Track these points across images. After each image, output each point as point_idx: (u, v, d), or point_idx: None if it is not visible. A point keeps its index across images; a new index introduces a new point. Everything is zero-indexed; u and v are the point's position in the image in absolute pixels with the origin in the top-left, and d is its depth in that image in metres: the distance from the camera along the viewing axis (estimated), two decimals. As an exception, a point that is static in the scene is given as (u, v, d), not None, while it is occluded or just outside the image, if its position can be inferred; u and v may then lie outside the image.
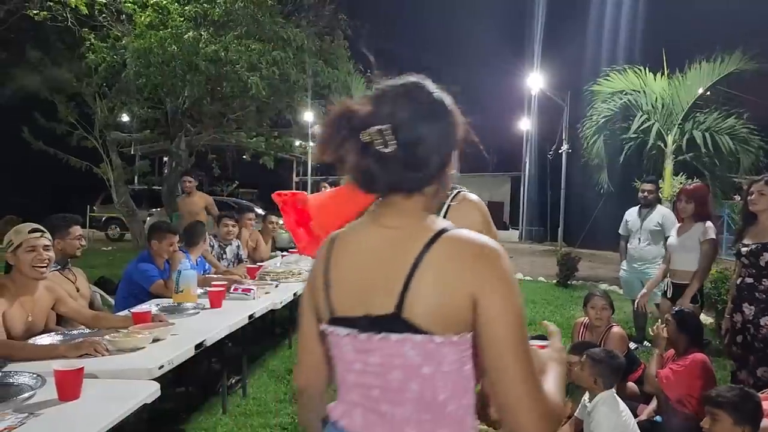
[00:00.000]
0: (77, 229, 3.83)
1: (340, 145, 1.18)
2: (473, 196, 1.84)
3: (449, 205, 1.80)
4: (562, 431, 3.48)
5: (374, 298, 1.16)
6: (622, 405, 3.27)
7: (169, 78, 11.25)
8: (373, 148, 1.14)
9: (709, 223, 4.73)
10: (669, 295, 4.89)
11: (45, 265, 3.04)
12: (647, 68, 10.68)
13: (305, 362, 1.36)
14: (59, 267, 3.66)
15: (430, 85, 1.24)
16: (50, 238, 3.15)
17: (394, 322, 1.13)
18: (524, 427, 1.09)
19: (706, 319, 7.01)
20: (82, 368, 2.25)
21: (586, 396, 3.41)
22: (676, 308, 4.02)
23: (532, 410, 1.09)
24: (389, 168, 1.16)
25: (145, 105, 14.06)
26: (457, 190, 1.84)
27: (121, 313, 3.66)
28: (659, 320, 4.14)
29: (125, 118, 16.11)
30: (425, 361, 1.13)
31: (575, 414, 3.49)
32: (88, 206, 18.73)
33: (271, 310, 4.96)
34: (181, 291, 4.05)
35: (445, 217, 1.70)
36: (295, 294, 5.12)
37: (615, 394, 3.30)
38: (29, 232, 3.03)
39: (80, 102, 14.18)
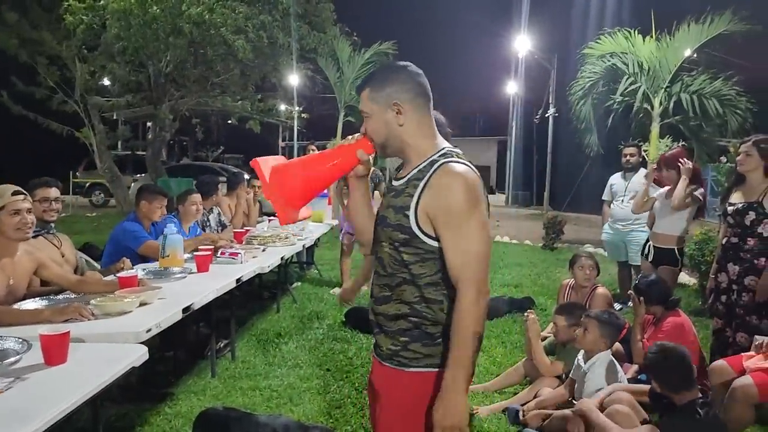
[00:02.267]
0: (44, 191, 3.61)
1: None
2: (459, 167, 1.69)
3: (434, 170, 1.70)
4: (556, 392, 3.52)
5: None
6: (618, 367, 3.32)
7: (151, 41, 11.00)
8: None
9: (700, 190, 4.77)
10: (650, 258, 4.94)
11: (29, 227, 3.00)
12: (636, 31, 10.60)
13: None
14: (41, 231, 3.59)
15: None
16: (31, 200, 3.10)
17: None
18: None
19: (689, 280, 7.11)
20: (68, 332, 2.23)
21: (581, 356, 3.45)
22: (637, 281, 4.05)
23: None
24: None
25: (127, 68, 13.78)
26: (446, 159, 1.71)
27: (107, 278, 3.63)
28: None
29: (107, 82, 15.81)
30: None
31: (570, 375, 3.53)
32: (71, 172, 18.50)
33: (259, 274, 4.97)
34: (168, 255, 4.01)
35: (424, 188, 1.68)
36: (282, 258, 5.11)
37: (612, 356, 3.35)
38: (12, 195, 2.97)
39: (60, 66, 13.87)
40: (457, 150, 1.78)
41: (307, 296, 6.57)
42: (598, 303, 4.25)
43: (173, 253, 4.02)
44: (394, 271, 1.75)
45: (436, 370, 1.71)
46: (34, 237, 3.50)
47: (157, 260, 4.09)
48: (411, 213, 1.68)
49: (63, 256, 3.68)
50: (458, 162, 1.70)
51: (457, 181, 1.65)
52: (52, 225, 3.74)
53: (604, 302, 4.27)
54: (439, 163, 1.70)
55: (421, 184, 1.69)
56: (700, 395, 2.63)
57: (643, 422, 2.81)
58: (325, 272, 7.85)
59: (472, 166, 1.72)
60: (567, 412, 3.16)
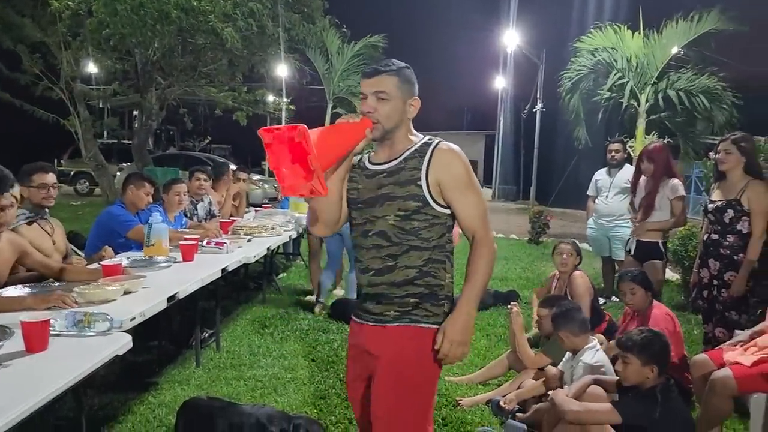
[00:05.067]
0: (42, 177, 3.56)
1: None
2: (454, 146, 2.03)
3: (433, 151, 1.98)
4: (536, 383, 3.54)
5: None
6: (605, 358, 3.34)
7: (138, 28, 10.86)
8: None
9: (675, 180, 4.79)
10: (632, 252, 4.97)
11: (11, 219, 2.98)
12: (626, 27, 10.64)
13: None
14: (34, 217, 3.55)
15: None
16: (13, 194, 3.04)
17: None
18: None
19: (672, 275, 7.18)
20: (49, 320, 2.22)
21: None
22: (629, 273, 3.90)
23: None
24: None
25: (113, 56, 13.63)
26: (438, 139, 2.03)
27: (91, 266, 3.60)
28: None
29: (93, 70, 15.64)
30: None
31: (559, 366, 3.52)
32: (56, 160, 18.31)
33: (245, 265, 4.95)
34: (153, 244, 3.98)
35: (429, 163, 1.96)
36: (268, 248, 5.10)
37: (599, 345, 3.36)
38: None
39: (45, 52, 13.69)
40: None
41: (293, 287, 6.56)
42: (576, 287, 4.28)
43: (158, 242, 3.99)
44: (401, 240, 1.97)
45: (424, 325, 1.99)
46: (28, 223, 3.47)
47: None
48: (423, 183, 1.95)
49: (54, 244, 3.64)
50: (446, 142, 2.03)
51: (456, 156, 1.98)
52: (47, 210, 3.70)
53: (583, 285, 4.30)
54: (434, 143, 2.00)
55: (426, 160, 1.96)
56: (664, 380, 2.66)
57: None
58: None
59: None
60: (544, 404, 3.19)
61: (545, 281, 4.58)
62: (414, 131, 2.06)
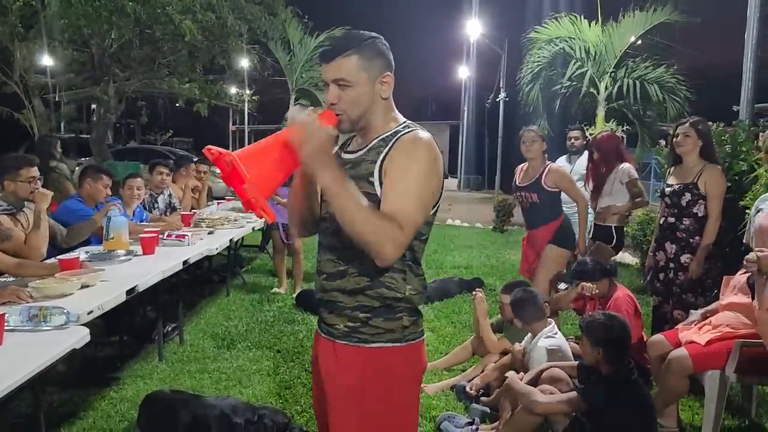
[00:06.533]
0: (29, 171, 3.51)
1: None
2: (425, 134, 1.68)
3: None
4: (499, 363, 3.59)
5: None
6: (560, 336, 3.40)
7: (93, 20, 10.58)
8: None
9: (625, 164, 4.89)
10: (590, 235, 5.06)
11: None
12: (583, 16, 10.82)
13: None
14: (12, 210, 3.47)
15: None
16: None
17: None
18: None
19: (632, 260, 7.34)
20: (3, 315, 2.17)
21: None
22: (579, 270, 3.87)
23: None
24: None
25: (69, 47, 13.25)
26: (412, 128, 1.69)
27: (48, 261, 3.52)
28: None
29: (49, 62, 15.21)
30: None
31: (521, 345, 3.56)
32: (11, 156, 17.77)
33: (209, 258, 4.91)
34: (112, 238, 3.91)
35: (386, 155, 1.62)
36: (231, 240, 5.06)
37: (556, 329, 3.42)
38: None
39: (-2, 45, 13.25)
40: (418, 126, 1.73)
41: (258, 279, 6.52)
42: (552, 177, 4.32)
43: (117, 236, 3.92)
44: (353, 243, 1.57)
45: (397, 345, 1.67)
46: (9, 214, 3.41)
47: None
48: (375, 179, 1.62)
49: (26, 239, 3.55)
50: (423, 131, 1.67)
51: (420, 146, 1.61)
52: (25, 203, 3.62)
53: (558, 175, 4.34)
54: (405, 131, 1.65)
55: (385, 150, 1.63)
56: (625, 364, 2.73)
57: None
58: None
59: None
60: (502, 388, 3.24)
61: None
62: (394, 115, 1.73)
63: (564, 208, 5.38)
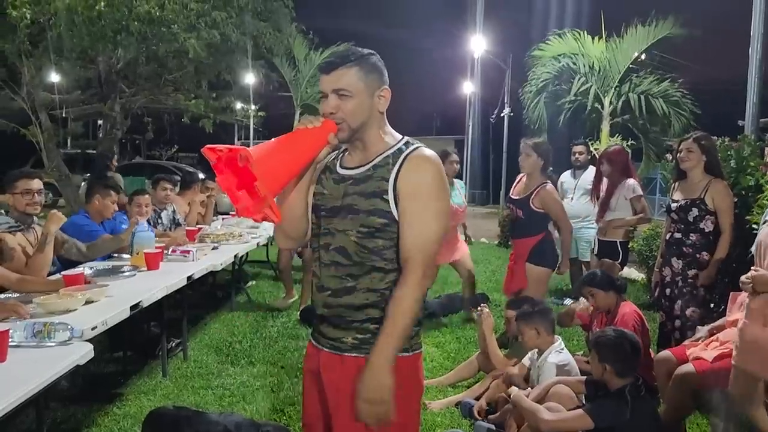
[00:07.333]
0: (26, 183, 3.48)
1: None
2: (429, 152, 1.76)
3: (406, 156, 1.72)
4: (498, 382, 3.56)
5: None
6: (569, 357, 3.36)
7: (98, 39, 10.67)
8: None
9: (631, 180, 4.89)
10: (595, 251, 5.05)
11: None
12: (586, 32, 10.87)
13: None
14: (18, 227, 3.48)
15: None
16: None
17: None
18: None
19: (638, 275, 7.30)
20: (7, 330, 2.17)
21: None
22: (585, 277, 3.97)
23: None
24: None
25: (76, 65, 13.37)
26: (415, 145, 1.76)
27: (52, 277, 3.53)
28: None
29: (56, 78, 15.34)
30: None
31: (522, 362, 3.54)
32: (18, 171, 17.87)
33: (213, 273, 4.90)
34: (137, 253, 3.96)
35: (398, 173, 1.69)
36: (235, 256, 5.05)
37: (563, 345, 3.39)
38: None
39: (4, 61, 13.36)
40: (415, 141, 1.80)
41: (262, 295, 6.51)
42: (541, 200, 4.33)
43: (142, 251, 3.95)
44: (362, 260, 1.70)
45: (404, 354, 1.71)
46: (12, 233, 3.41)
47: (108, 256, 4.02)
48: (390, 198, 1.67)
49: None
50: (426, 149, 1.75)
51: (429, 165, 1.70)
52: (35, 218, 3.62)
53: (548, 199, 4.33)
54: (410, 148, 1.73)
55: (396, 168, 1.69)
56: (633, 380, 2.71)
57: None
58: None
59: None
60: (508, 405, 3.21)
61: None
62: (389, 130, 1.79)
63: (572, 223, 5.39)
